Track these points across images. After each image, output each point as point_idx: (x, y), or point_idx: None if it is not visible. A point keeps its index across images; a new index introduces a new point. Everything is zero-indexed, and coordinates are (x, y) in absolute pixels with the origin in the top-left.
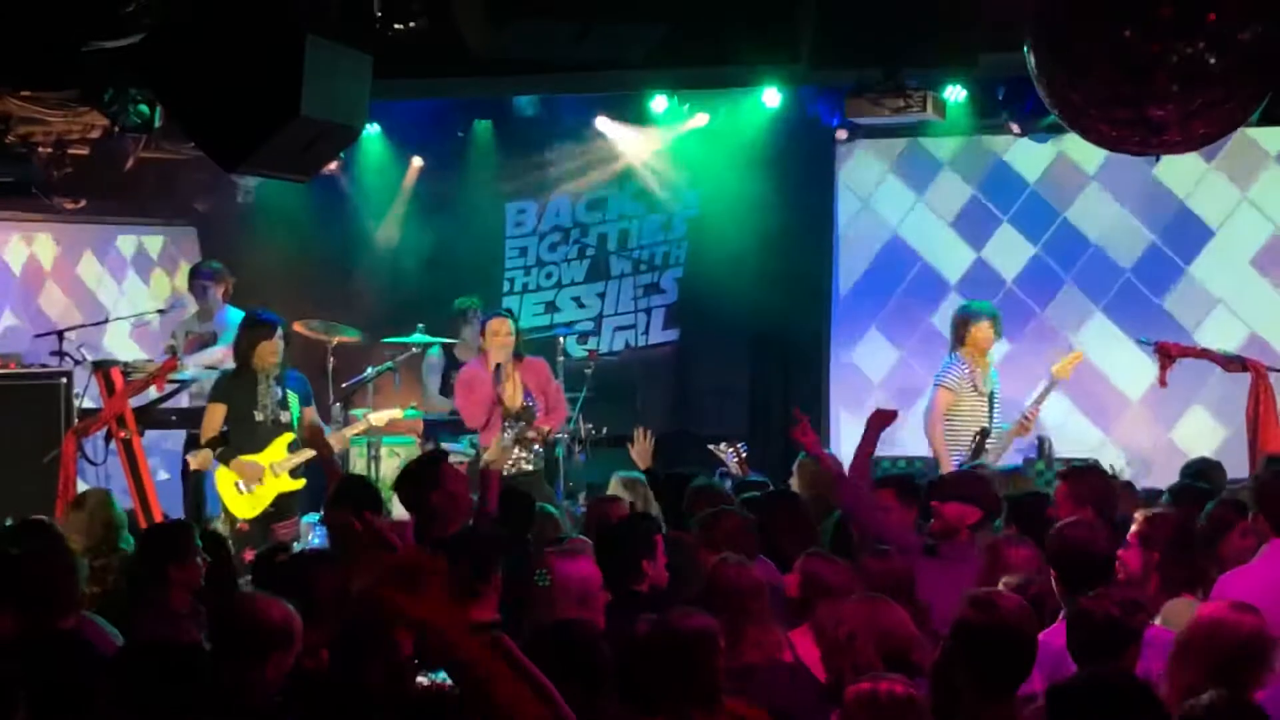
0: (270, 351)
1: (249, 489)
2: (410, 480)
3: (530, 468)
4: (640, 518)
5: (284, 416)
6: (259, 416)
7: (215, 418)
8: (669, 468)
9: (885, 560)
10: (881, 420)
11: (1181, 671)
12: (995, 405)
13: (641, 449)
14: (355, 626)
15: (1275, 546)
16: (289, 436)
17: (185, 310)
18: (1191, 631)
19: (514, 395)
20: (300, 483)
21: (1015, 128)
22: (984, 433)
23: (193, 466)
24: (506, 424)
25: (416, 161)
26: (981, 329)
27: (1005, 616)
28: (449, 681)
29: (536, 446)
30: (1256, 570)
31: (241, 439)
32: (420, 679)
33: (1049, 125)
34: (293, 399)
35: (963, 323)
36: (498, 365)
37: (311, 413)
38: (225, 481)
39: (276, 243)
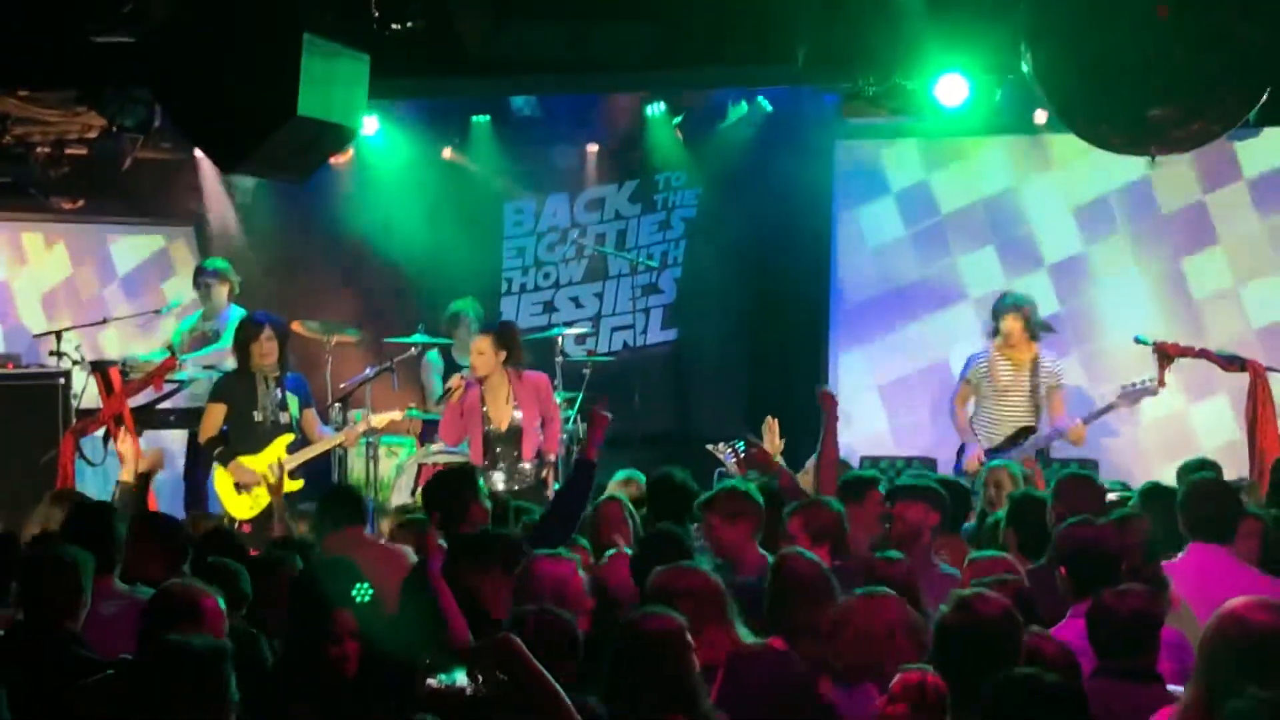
0: (260, 351)
1: (248, 489)
2: (454, 484)
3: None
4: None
5: (283, 417)
6: (258, 417)
7: (214, 418)
8: (666, 468)
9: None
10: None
11: (1210, 669)
12: (1041, 402)
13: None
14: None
15: (1194, 550)
16: (289, 437)
17: (188, 309)
18: (1220, 629)
19: (502, 413)
20: (298, 484)
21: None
22: (1026, 430)
23: (141, 468)
24: (494, 449)
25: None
26: (1007, 322)
27: (985, 618)
28: (459, 683)
29: (525, 465)
30: (1178, 569)
31: (241, 439)
32: (430, 681)
33: None
34: (292, 401)
35: (994, 314)
36: (480, 380)
37: (311, 414)
38: (224, 482)
39: (274, 243)
